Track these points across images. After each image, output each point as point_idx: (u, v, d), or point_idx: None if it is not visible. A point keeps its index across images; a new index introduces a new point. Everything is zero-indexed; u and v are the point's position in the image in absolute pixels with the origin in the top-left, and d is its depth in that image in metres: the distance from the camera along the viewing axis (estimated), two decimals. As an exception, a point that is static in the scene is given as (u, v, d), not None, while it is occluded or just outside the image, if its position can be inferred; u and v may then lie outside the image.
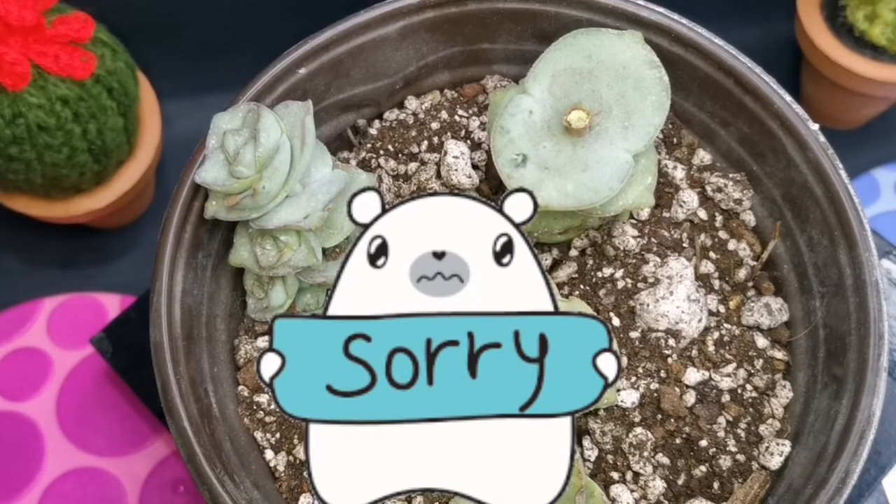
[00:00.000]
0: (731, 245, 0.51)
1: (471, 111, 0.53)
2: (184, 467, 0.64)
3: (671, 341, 0.47)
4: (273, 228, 0.45)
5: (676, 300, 0.47)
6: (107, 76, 0.60)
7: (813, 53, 0.73)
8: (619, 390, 0.46)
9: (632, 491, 0.45)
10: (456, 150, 0.49)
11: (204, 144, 0.46)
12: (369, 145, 0.53)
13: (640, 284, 0.48)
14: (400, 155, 0.52)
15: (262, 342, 0.49)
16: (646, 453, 0.45)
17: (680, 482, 0.46)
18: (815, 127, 0.48)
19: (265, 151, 0.44)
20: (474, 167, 0.51)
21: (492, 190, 0.51)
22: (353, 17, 0.50)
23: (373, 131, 0.53)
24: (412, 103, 0.54)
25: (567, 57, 0.46)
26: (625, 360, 0.47)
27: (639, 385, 0.46)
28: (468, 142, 0.52)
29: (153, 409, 0.64)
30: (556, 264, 0.50)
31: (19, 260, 0.72)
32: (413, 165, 0.51)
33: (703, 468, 0.46)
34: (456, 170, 0.49)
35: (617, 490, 0.45)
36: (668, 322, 0.47)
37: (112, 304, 0.70)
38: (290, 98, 0.49)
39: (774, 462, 0.46)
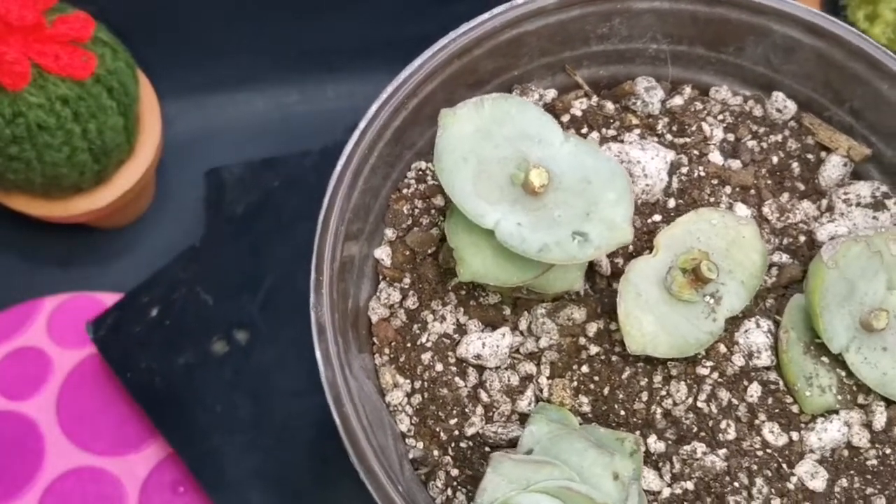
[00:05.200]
0: (580, 107, 0.54)
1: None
2: (184, 467, 0.64)
3: (682, 171, 0.51)
4: None
5: (644, 157, 0.50)
6: (107, 76, 0.60)
7: (813, 53, 0.73)
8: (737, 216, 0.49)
9: (828, 224, 0.51)
10: None
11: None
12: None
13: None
14: None
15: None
16: (789, 207, 0.52)
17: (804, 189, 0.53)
18: None
19: None
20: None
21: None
22: None
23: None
24: None
25: (455, 168, 0.45)
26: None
27: (727, 203, 0.51)
28: None
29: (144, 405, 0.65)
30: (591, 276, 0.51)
31: (19, 259, 0.72)
32: None
33: (805, 183, 0.53)
34: None
35: (823, 233, 0.51)
36: (664, 173, 0.51)
37: (112, 304, 0.70)
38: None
39: (787, 112, 0.54)
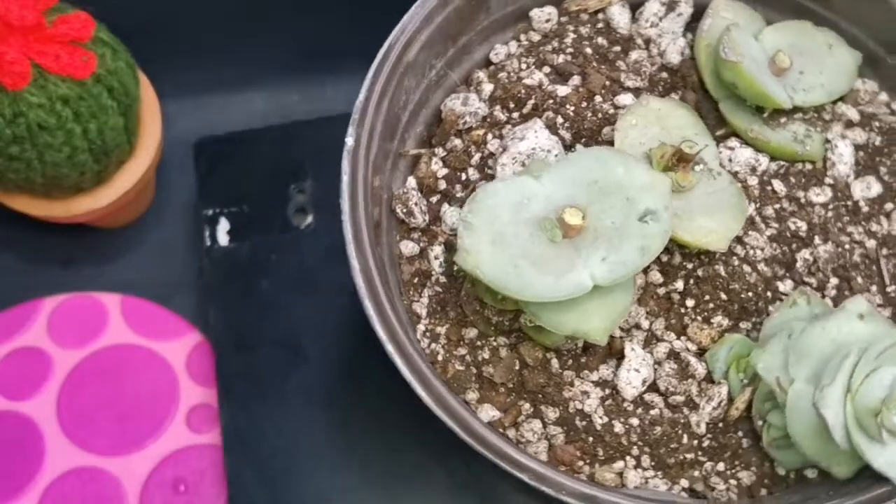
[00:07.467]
0: (439, 167, 0.54)
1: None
2: (184, 466, 0.64)
3: (558, 122, 0.52)
4: None
5: (530, 142, 0.52)
6: (107, 76, 0.60)
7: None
8: None
9: (665, 51, 0.56)
10: None
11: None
12: None
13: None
14: None
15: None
16: (635, 67, 0.55)
17: None
18: None
19: None
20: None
21: None
22: None
23: None
24: None
25: (519, 279, 0.45)
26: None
27: (612, 108, 0.53)
28: None
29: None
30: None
31: (19, 259, 0.72)
32: None
33: (619, 44, 0.56)
34: None
35: (674, 58, 0.56)
36: (550, 136, 0.52)
37: (112, 304, 0.70)
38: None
39: (553, 16, 0.57)
